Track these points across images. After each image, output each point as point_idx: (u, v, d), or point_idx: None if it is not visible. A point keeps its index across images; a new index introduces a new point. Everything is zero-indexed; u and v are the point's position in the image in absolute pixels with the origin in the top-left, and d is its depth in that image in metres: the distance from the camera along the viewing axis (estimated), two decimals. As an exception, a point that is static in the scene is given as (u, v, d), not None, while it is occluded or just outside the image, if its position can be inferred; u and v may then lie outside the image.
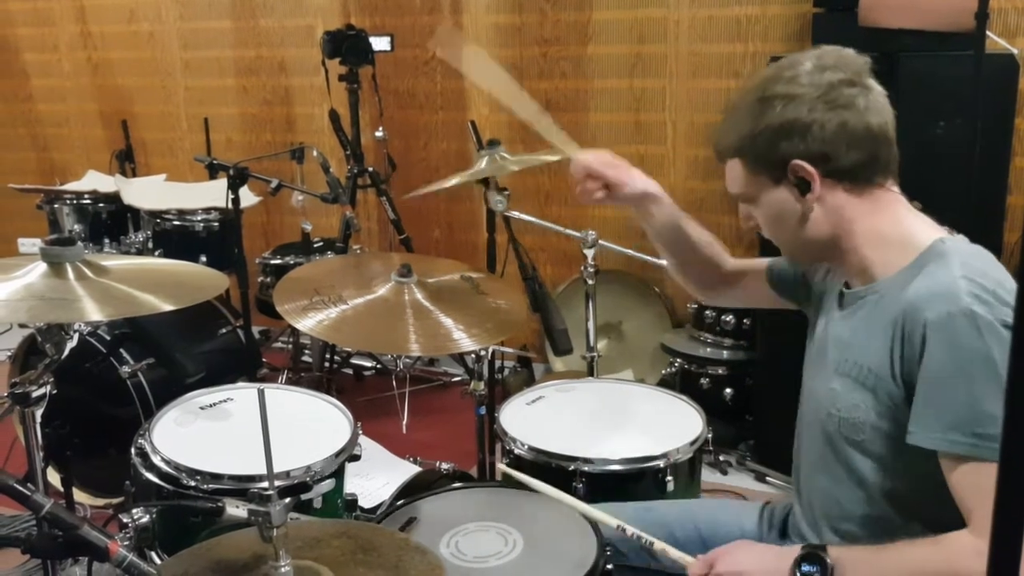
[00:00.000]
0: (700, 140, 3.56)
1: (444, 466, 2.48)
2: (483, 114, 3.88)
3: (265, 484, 1.19)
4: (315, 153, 3.15)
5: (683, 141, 3.60)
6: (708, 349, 3.25)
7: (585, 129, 3.73)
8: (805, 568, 1.28)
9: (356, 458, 1.91)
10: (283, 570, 1.20)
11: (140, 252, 3.47)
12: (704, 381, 3.21)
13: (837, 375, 1.38)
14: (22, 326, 3.32)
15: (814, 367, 1.49)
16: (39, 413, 1.54)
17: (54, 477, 2.42)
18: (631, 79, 3.64)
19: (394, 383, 3.63)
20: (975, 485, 1.20)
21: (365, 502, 2.21)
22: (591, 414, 2.08)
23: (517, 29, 3.79)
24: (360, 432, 1.94)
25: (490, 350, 2.11)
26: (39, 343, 1.57)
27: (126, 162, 4.26)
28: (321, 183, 3.08)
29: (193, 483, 1.74)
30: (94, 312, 1.46)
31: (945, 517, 1.24)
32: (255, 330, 3.70)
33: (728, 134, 1.42)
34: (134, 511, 1.64)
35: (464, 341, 1.81)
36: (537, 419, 2.03)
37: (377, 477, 2.37)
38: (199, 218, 3.48)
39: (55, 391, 1.54)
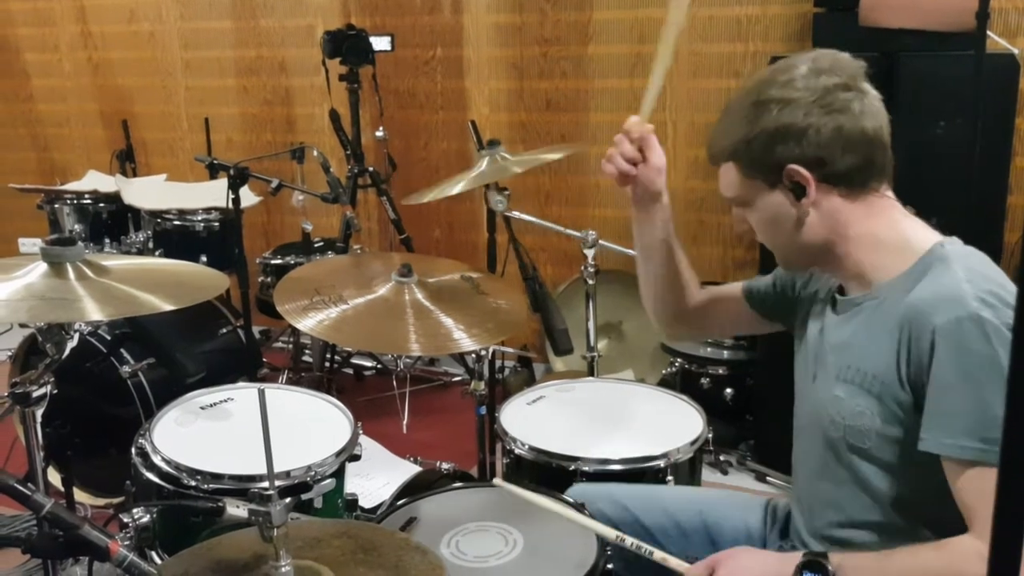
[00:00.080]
0: (700, 140, 3.55)
1: (444, 466, 2.48)
2: (483, 114, 3.88)
3: (265, 484, 1.19)
4: (315, 153, 3.14)
5: (683, 141, 3.60)
6: (708, 349, 3.25)
7: (585, 129, 3.72)
8: (807, 575, 1.27)
9: (356, 458, 1.92)
10: (283, 570, 1.20)
11: (140, 252, 3.47)
12: (704, 381, 3.20)
13: (840, 382, 1.37)
14: (22, 326, 3.31)
15: (808, 374, 1.47)
16: (39, 413, 1.54)
17: (54, 477, 2.43)
18: (631, 79, 3.63)
19: (394, 383, 3.63)
20: (980, 489, 1.20)
21: (365, 502, 2.21)
22: (591, 414, 2.08)
23: (517, 29, 3.79)
24: (360, 432, 1.94)
25: (490, 350, 2.12)
26: (40, 343, 1.56)
27: (126, 162, 4.25)
28: (321, 183, 3.08)
29: (193, 483, 1.74)
30: (94, 312, 1.46)
31: (950, 520, 1.23)
32: (255, 330, 3.71)
33: (723, 138, 1.40)
34: (134, 511, 1.64)
35: (464, 341, 1.81)
36: (537, 419, 2.04)
37: (377, 477, 2.38)
38: (199, 218, 3.48)
39: (56, 391, 1.55)
